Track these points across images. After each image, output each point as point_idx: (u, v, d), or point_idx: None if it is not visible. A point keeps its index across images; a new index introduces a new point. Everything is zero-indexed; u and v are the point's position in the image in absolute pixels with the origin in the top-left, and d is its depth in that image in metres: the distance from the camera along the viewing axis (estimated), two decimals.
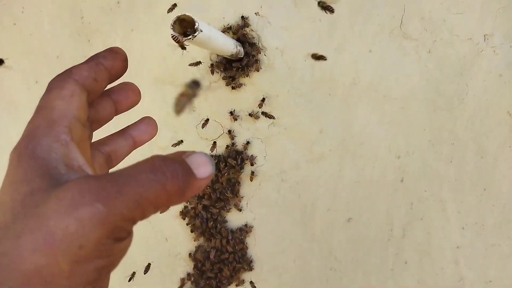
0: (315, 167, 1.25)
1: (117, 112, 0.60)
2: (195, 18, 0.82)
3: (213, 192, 1.29)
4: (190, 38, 0.82)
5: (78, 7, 1.24)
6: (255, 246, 1.32)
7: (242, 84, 1.21)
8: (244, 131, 1.27)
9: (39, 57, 1.31)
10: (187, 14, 0.83)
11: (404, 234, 1.25)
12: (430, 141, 1.18)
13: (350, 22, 1.15)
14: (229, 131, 1.26)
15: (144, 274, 1.31)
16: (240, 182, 1.28)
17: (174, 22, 0.83)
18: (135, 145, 0.61)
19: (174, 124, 1.31)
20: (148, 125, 0.62)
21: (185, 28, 0.86)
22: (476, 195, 1.18)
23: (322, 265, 1.30)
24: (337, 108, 1.20)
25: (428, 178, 1.21)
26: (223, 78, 1.22)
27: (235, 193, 1.29)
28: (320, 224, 1.27)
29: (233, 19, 1.18)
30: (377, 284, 1.28)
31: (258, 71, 1.19)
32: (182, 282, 1.38)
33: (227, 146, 1.28)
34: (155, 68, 1.25)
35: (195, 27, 0.82)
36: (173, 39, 0.85)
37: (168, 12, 1.17)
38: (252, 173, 1.26)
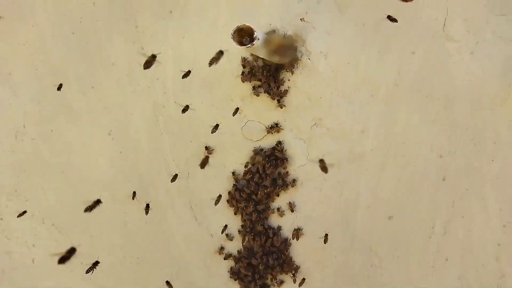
0: (356, 166, 1.29)
1: None
2: (253, 27, 0.88)
3: (258, 189, 1.35)
4: (249, 46, 0.88)
5: (133, 17, 1.33)
6: (297, 242, 1.37)
7: (287, 90, 1.26)
8: (287, 132, 1.32)
9: (95, 63, 1.41)
10: (246, 24, 0.89)
11: (445, 231, 1.28)
12: (473, 140, 1.20)
13: (393, 25, 1.18)
14: (273, 126, 1.30)
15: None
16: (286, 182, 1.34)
17: (234, 32, 0.90)
18: None
19: (221, 125, 1.38)
20: None
21: (242, 36, 0.92)
22: None
23: (363, 261, 1.34)
24: (379, 108, 1.24)
25: (470, 176, 1.23)
26: (264, 87, 1.27)
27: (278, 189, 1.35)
28: (361, 222, 1.31)
29: (279, 25, 1.24)
30: (418, 281, 1.31)
31: (292, 73, 1.24)
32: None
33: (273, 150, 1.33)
34: (205, 73, 1.32)
35: (254, 36, 0.88)
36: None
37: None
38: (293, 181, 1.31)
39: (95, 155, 1.48)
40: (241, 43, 0.90)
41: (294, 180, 1.33)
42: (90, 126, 1.46)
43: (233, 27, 0.93)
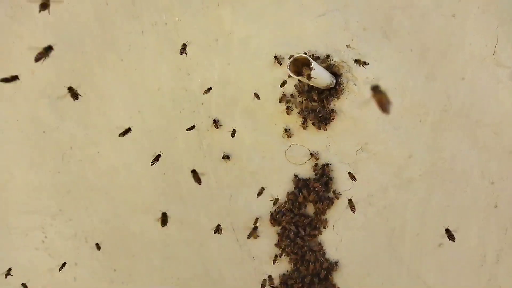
0: (403, 192, 1.27)
1: None
2: (310, 58, 0.90)
3: (301, 216, 1.35)
4: (306, 77, 0.90)
5: (179, 44, 1.37)
6: (341, 268, 1.35)
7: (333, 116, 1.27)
8: (332, 156, 1.32)
9: (142, 89, 1.45)
10: (302, 54, 0.91)
11: (497, 260, 1.24)
12: None
13: (441, 51, 1.18)
14: (311, 154, 1.31)
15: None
16: (331, 202, 1.33)
17: (291, 62, 0.91)
18: None
19: (263, 149, 1.39)
20: None
21: (297, 66, 0.94)
22: None
23: None
24: (427, 134, 1.23)
25: None
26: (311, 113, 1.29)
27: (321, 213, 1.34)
28: (409, 248, 1.29)
29: (325, 52, 1.25)
30: None
31: (338, 98, 1.25)
32: None
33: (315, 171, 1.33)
34: (249, 98, 1.34)
35: (311, 66, 0.90)
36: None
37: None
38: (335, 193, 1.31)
39: (139, 177, 1.52)
40: (296, 73, 0.92)
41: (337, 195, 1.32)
42: (135, 149, 1.50)
43: (278, 53, 0.94)
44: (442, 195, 1.24)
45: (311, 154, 1.32)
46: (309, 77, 0.86)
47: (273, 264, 1.39)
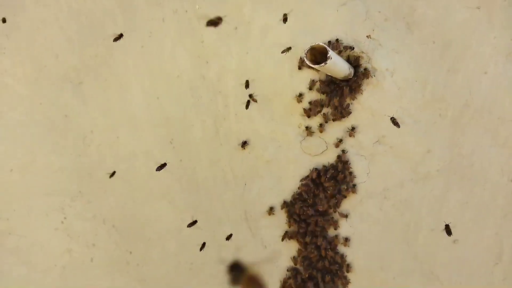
0: (420, 187, 1.26)
1: None
2: (327, 47, 0.89)
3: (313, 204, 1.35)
4: (322, 65, 0.89)
5: (199, 33, 1.38)
6: (354, 261, 1.35)
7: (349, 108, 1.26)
8: (348, 148, 1.31)
9: (161, 76, 1.47)
10: (320, 43, 0.90)
11: None
12: None
13: (464, 44, 1.15)
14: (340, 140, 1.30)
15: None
16: (345, 196, 1.33)
17: (307, 51, 0.91)
18: None
19: (278, 139, 1.39)
20: None
21: (314, 55, 0.93)
22: None
23: (423, 284, 1.30)
24: (447, 129, 1.20)
25: None
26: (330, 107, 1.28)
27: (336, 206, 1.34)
28: (423, 244, 1.28)
29: (345, 42, 1.24)
30: None
31: (361, 93, 1.23)
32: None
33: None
34: (266, 88, 1.34)
35: (328, 55, 0.89)
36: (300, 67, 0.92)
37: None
38: (354, 186, 1.30)
39: (155, 164, 1.54)
40: (313, 62, 0.91)
41: (354, 186, 1.31)
42: (153, 135, 1.53)
43: (297, 43, 0.94)
44: (460, 192, 1.22)
45: (340, 140, 1.30)
46: (325, 64, 0.85)
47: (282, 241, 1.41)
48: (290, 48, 1.26)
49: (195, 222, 1.46)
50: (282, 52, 1.27)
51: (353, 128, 1.27)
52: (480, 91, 1.16)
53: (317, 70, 1.23)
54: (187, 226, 1.41)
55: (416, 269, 1.29)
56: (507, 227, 1.20)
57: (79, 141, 1.64)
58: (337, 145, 1.30)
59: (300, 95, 1.30)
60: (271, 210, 1.41)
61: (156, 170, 1.40)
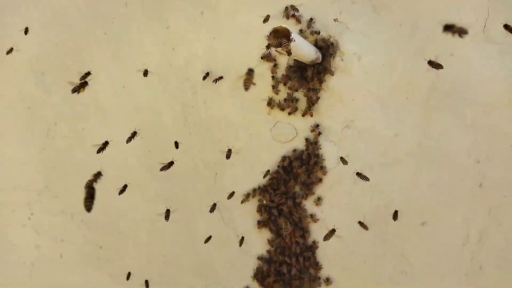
0: (389, 171, 1.26)
1: None
2: (290, 29, 0.87)
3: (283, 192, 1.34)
4: (285, 47, 0.87)
5: (164, 17, 1.34)
6: (325, 247, 1.35)
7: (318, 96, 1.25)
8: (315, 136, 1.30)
9: (127, 63, 1.42)
10: (282, 25, 0.88)
11: (480, 239, 1.23)
12: None
13: (432, 26, 1.15)
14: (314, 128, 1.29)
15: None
16: (315, 181, 1.32)
17: (270, 34, 0.89)
18: None
19: (249, 126, 1.37)
20: None
21: (278, 38, 0.91)
22: None
23: (393, 267, 1.31)
24: (415, 112, 1.21)
25: (508, 183, 1.18)
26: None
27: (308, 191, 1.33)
28: (393, 227, 1.28)
29: (313, 26, 1.22)
30: None
31: (332, 75, 1.22)
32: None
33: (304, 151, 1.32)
34: (235, 75, 1.32)
35: (290, 37, 0.87)
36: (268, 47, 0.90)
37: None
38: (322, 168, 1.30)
39: (125, 154, 1.50)
40: (277, 45, 0.89)
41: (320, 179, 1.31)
42: (120, 125, 1.48)
43: (267, 28, 0.92)
44: (428, 174, 1.23)
45: (314, 127, 1.29)
46: (287, 48, 0.83)
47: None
48: (268, 16, 1.21)
49: (168, 211, 1.42)
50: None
51: (317, 126, 1.27)
52: (446, 74, 1.16)
53: (285, 55, 1.20)
54: (165, 219, 1.36)
55: (386, 252, 1.30)
56: (474, 209, 1.21)
57: (44, 133, 1.58)
58: (312, 130, 1.28)
59: (273, 87, 1.28)
60: (247, 198, 1.39)
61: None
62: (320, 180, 1.31)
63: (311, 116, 1.27)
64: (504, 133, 1.16)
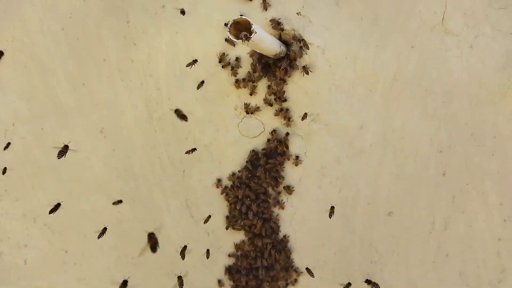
0: (355, 162, 1.27)
1: None
2: (251, 21, 0.85)
3: (253, 186, 1.33)
4: (245, 40, 0.85)
5: (124, 11, 1.29)
6: (296, 239, 1.35)
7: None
8: (284, 128, 1.30)
9: (86, 60, 1.37)
10: (243, 17, 0.86)
11: (445, 227, 1.27)
12: (472, 135, 1.19)
13: (392, 19, 1.16)
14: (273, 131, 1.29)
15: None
16: (282, 176, 1.31)
17: (230, 25, 0.87)
18: None
19: (217, 122, 1.35)
20: None
21: (239, 30, 0.89)
22: None
23: (362, 258, 1.33)
24: (378, 103, 1.22)
25: (470, 171, 1.22)
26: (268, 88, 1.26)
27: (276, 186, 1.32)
28: (361, 218, 1.30)
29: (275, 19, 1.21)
30: (418, 277, 1.30)
31: (308, 74, 1.20)
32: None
33: (268, 140, 1.31)
34: (199, 69, 1.29)
35: (251, 29, 0.85)
36: (227, 40, 0.88)
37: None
38: (297, 157, 1.29)
39: (87, 154, 1.45)
40: (237, 37, 0.87)
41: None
42: (82, 124, 1.43)
43: (229, 20, 0.90)
44: (393, 164, 1.25)
45: (272, 132, 1.29)
46: (247, 39, 0.82)
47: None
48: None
49: (120, 201, 1.39)
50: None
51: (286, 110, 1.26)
52: (407, 65, 1.18)
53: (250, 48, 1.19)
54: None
55: (355, 243, 1.31)
56: (438, 197, 1.24)
57: (1, 134, 1.50)
58: (288, 125, 1.27)
59: (232, 68, 1.25)
60: (225, 189, 1.37)
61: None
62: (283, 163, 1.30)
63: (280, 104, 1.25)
64: (464, 122, 1.19)
